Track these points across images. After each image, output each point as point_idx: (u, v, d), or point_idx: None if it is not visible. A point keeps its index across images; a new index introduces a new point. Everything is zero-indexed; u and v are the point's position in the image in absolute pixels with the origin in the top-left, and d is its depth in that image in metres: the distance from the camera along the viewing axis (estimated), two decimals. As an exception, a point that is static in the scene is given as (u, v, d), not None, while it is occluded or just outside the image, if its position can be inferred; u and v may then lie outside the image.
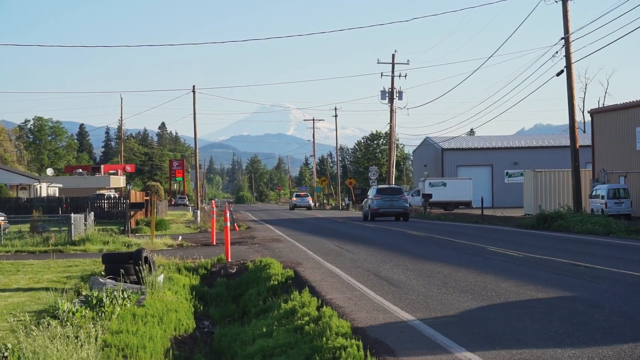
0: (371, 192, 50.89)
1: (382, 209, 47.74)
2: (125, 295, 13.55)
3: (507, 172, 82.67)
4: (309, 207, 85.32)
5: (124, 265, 16.50)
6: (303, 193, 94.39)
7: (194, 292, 17.53)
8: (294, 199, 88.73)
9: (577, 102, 71.78)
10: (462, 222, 45.95)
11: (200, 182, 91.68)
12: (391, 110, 74.84)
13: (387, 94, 74.06)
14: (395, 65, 73.77)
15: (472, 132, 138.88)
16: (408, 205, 49.72)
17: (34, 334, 10.22)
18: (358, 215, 59.16)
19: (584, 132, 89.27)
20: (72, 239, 29.11)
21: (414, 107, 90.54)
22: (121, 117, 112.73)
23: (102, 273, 17.23)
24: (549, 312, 11.87)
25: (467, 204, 72.11)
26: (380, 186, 52.82)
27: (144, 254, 16.58)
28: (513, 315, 11.75)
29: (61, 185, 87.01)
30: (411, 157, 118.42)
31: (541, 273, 17.07)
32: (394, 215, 48.42)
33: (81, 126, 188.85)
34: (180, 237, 32.95)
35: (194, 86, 72.99)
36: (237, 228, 40.78)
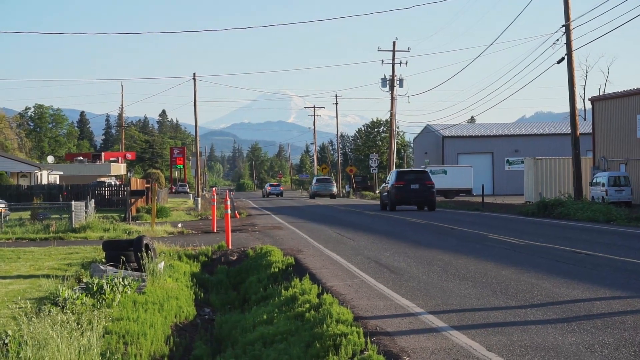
0: (313, 181, 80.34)
1: (319, 191, 75.49)
2: (126, 283, 13.56)
3: (507, 160, 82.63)
4: (280, 194, 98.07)
5: (125, 253, 16.53)
6: (275, 183, 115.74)
7: (194, 280, 17.53)
8: (268, 188, 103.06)
9: (578, 90, 71.53)
10: (463, 209, 45.95)
11: (201, 169, 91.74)
12: (392, 98, 74.74)
13: (387, 82, 73.93)
14: (396, 52, 73.62)
15: (472, 119, 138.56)
16: (335, 189, 78.26)
17: (35, 321, 10.23)
18: (359, 202, 59.17)
19: (585, 119, 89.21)
20: (73, 226, 29.15)
21: (415, 94, 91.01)
22: (122, 105, 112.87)
23: (103, 260, 17.25)
24: (550, 300, 11.88)
25: (468, 192, 72.04)
26: (318, 177, 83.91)
27: (144, 242, 16.60)
28: (514, 303, 11.75)
29: (62, 173, 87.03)
30: (412, 145, 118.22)
31: (542, 260, 17.08)
32: (327, 196, 75.01)
33: (82, 114, 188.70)
34: (180, 225, 32.96)
35: (194, 74, 72.74)
36: (237, 215, 40.78)
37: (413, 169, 52.46)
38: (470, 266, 16.14)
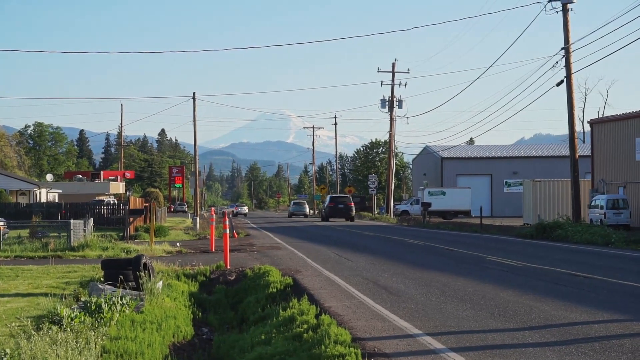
0: (292, 203, 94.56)
1: (295, 212, 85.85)
2: (124, 302, 13.55)
3: (506, 182, 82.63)
4: (245, 214, 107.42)
5: (123, 272, 16.50)
6: (242, 204, 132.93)
7: (192, 299, 17.51)
8: (235, 208, 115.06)
9: (577, 112, 71.73)
10: (461, 231, 45.95)
11: (200, 189, 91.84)
12: (391, 119, 74.94)
13: (387, 103, 74.16)
14: (396, 73, 73.92)
15: (471, 141, 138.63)
16: (308, 210, 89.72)
17: (33, 339, 10.22)
18: (356, 223, 59.17)
19: (584, 142, 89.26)
20: (72, 244, 29.11)
21: (414, 115, 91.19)
22: (121, 124, 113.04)
23: (101, 279, 17.23)
24: (548, 322, 11.88)
25: (466, 213, 72.03)
26: (295, 200, 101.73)
27: (143, 260, 16.58)
28: (512, 325, 11.75)
29: (61, 191, 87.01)
30: (410, 166, 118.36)
31: (540, 283, 17.08)
32: (301, 215, 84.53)
33: (81, 132, 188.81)
34: (179, 244, 32.92)
35: (194, 93, 72.98)
36: (236, 235, 40.76)
37: (340, 195, 74.92)
38: (469, 288, 16.14)
